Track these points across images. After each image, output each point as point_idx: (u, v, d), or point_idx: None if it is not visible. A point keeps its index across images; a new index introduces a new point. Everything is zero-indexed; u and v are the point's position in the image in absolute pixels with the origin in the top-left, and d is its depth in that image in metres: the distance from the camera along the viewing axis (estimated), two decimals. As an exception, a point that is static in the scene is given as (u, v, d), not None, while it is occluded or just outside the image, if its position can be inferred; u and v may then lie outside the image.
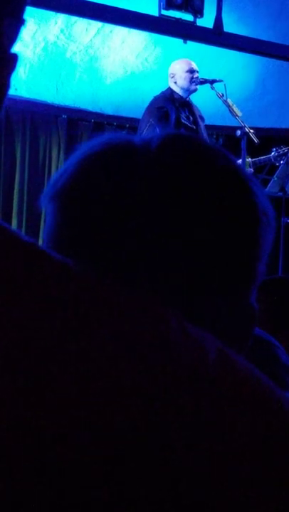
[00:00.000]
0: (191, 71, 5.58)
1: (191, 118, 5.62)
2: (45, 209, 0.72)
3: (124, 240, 0.65)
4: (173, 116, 5.45)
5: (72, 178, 0.69)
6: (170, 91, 5.64)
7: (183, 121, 5.50)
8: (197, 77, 5.59)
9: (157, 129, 5.13)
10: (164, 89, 5.70)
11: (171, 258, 0.65)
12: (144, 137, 0.72)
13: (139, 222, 0.65)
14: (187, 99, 5.64)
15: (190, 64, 5.63)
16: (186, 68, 5.60)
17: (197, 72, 5.61)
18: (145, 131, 5.40)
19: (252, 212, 0.70)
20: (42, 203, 0.72)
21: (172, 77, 5.63)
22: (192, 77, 5.58)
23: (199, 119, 5.67)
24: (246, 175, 0.72)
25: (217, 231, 0.67)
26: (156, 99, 5.64)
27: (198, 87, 5.62)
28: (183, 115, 5.55)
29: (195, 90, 5.64)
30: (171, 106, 5.52)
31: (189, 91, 5.61)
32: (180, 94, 5.60)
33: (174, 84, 5.62)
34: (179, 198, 0.66)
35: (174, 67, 5.67)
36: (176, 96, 5.59)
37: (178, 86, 5.61)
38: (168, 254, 0.65)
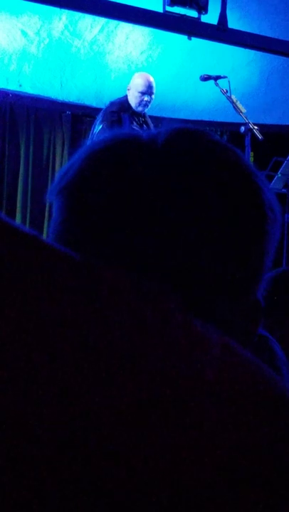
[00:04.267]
0: (143, 93, 5.51)
1: (145, 126, 5.60)
2: (52, 203, 0.72)
3: (130, 234, 0.65)
4: (126, 123, 5.44)
5: (79, 173, 0.69)
6: (126, 98, 5.62)
7: (135, 127, 5.48)
8: (147, 101, 5.54)
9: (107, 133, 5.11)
10: (121, 96, 5.68)
11: (177, 253, 0.65)
12: (151, 132, 0.72)
13: (145, 217, 0.65)
14: (141, 112, 5.62)
15: (145, 85, 5.52)
16: (140, 89, 5.52)
17: (149, 95, 5.52)
18: (96, 135, 5.45)
19: (258, 208, 0.70)
20: (49, 197, 0.72)
21: (128, 89, 5.63)
22: (141, 100, 5.52)
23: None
24: (253, 170, 0.72)
25: (223, 227, 0.67)
26: (111, 104, 5.63)
27: (145, 110, 5.59)
28: (135, 123, 5.54)
29: (140, 111, 5.58)
30: (124, 112, 5.51)
31: (136, 109, 5.57)
32: (132, 107, 5.59)
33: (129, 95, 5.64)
34: (185, 193, 0.66)
35: (134, 80, 5.62)
36: (130, 105, 5.59)
37: (130, 99, 5.60)
38: (173, 250, 0.65)
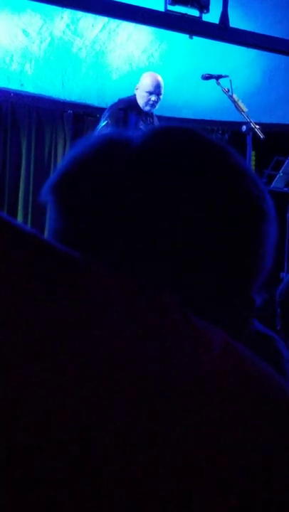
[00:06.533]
0: (150, 93, 5.55)
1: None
2: (47, 204, 0.73)
3: (111, 234, 0.66)
4: (133, 121, 5.47)
5: (64, 173, 0.71)
6: (135, 97, 5.66)
7: (142, 127, 5.50)
8: (154, 101, 5.58)
9: (110, 129, 5.17)
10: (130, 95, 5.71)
11: (159, 248, 0.65)
12: (136, 132, 0.73)
13: (124, 217, 0.66)
14: (148, 112, 5.66)
15: (153, 85, 5.57)
16: (147, 89, 5.57)
17: (156, 95, 5.56)
18: (100, 129, 5.47)
19: (246, 206, 0.70)
20: (42, 198, 0.73)
21: (136, 89, 5.67)
22: (148, 100, 5.56)
23: None
24: (243, 170, 0.72)
25: (200, 219, 0.67)
26: (120, 101, 5.68)
27: (152, 109, 5.62)
28: (142, 123, 5.57)
29: (148, 111, 5.62)
30: (132, 111, 5.55)
31: (143, 109, 5.61)
32: (140, 106, 5.62)
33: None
34: (161, 188, 0.66)
35: (142, 80, 5.67)
36: (138, 104, 5.62)
37: (137, 98, 5.64)
38: (155, 245, 0.65)
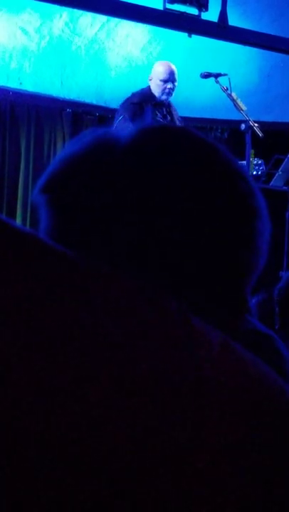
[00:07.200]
0: (165, 81, 5.48)
1: (168, 117, 5.56)
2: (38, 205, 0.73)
3: (110, 229, 0.66)
4: (148, 114, 5.42)
5: (55, 173, 0.71)
6: (149, 89, 5.58)
7: (159, 119, 5.44)
8: (170, 89, 5.49)
9: (129, 124, 5.12)
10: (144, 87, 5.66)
11: (156, 248, 0.65)
12: (126, 132, 0.73)
13: (123, 213, 0.66)
14: (165, 101, 5.59)
15: (167, 73, 5.50)
16: (162, 77, 5.49)
17: (172, 83, 5.49)
18: (116, 124, 5.37)
19: (235, 204, 0.70)
20: (34, 199, 0.73)
21: (150, 79, 5.59)
22: (164, 88, 5.49)
23: (177, 121, 5.59)
24: (232, 164, 0.71)
25: (198, 218, 0.67)
26: (133, 95, 5.59)
27: (169, 98, 5.56)
28: (159, 114, 5.51)
29: (165, 100, 5.55)
30: (147, 103, 5.47)
31: (160, 99, 5.54)
32: (156, 95, 5.56)
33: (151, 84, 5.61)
34: (158, 187, 0.66)
35: (155, 69, 5.59)
36: (153, 95, 5.55)
37: (152, 88, 5.58)
38: (152, 244, 0.65)
